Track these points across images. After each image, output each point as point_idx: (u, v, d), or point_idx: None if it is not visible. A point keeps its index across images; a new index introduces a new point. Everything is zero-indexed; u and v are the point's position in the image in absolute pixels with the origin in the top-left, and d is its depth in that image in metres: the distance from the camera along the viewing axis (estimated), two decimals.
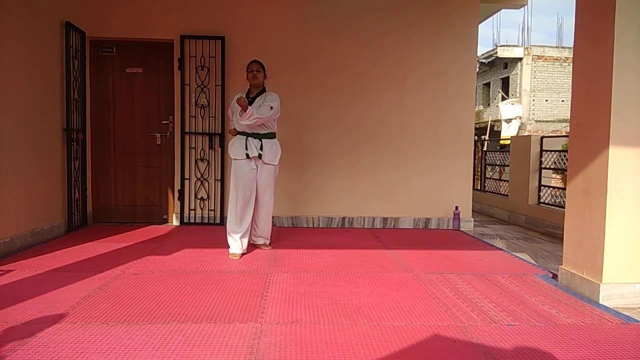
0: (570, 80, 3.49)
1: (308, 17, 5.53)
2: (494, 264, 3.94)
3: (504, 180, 7.19)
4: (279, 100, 4.07)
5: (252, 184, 4.04)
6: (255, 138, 4.00)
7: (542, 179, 6.16)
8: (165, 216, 5.58)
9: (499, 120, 20.36)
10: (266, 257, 4.02)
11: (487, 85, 23.20)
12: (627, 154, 3.01)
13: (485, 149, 8.64)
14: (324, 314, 2.68)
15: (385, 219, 5.63)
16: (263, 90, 4.13)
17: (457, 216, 5.53)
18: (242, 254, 4.02)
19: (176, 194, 5.49)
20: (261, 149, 4.00)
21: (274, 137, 4.12)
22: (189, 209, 5.46)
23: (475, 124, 7.04)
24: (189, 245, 4.37)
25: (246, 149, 3.98)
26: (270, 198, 4.19)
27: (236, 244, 3.98)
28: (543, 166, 6.10)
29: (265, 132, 4.03)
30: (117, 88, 5.48)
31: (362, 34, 5.56)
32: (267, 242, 4.36)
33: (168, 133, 5.49)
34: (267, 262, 3.83)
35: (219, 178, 5.47)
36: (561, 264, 3.48)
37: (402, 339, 2.35)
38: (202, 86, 5.41)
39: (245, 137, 4.00)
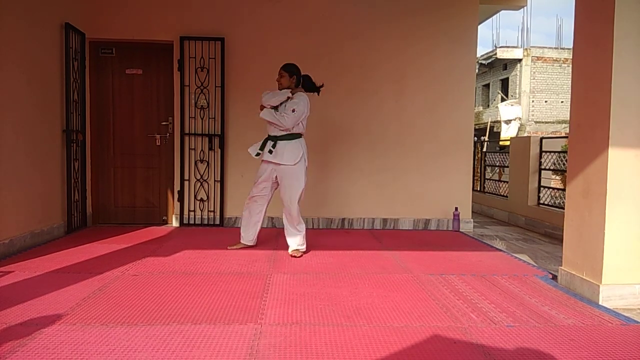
0: (570, 82, 3.50)
1: (309, 19, 5.53)
2: (494, 265, 3.94)
3: (504, 181, 7.20)
4: (303, 102, 4.04)
5: (265, 182, 4.15)
6: (271, 140, 4.09)
7: (542, 180, 6.16)
8: (164, 217, 5.58)
9: (499, 121, 20.37)
10: (266, 258, 4.02)
11: (487, 86, 23.22)
12: (627, 155, 3.02)
13: (484, 150, 8.65)
14: (323, 315, 2.68)
15: (384, 220, 5.63)
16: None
17: (456, 217, 5.54)
18: (248, 246, 4.32)
19: (176, 195, 5.49)
20: (273, 147, 4.05)
21: (293, 138, 4.05)
22: (189, 210, 5.46)
23: (475, 125, 7.05)
24: (189, 247, 4.37)
25: (260, 149, 4.12)
26: (289, 201, 4.09)
27: (244, 233, 4.30)
28: (543, 167, 6.10)
29: (281, 134, 4.05)
30: (116, 89, 5.48)
31: (363, 36, 5.56)
32: (294, 248, 4.14)
33: (168, 134, 5.49)
34: (267, 263, 3.83)
35: (219, 179, 5.47)
36: (561, 265, 3.48)
37: (402, 340, 2.35)
38: (201, 87, 5.41)
39: (266, 138, 4.14)
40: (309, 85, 4.21)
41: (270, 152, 4.03)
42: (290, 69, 4.15)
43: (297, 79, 4.17)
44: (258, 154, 4.12)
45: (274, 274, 3.53)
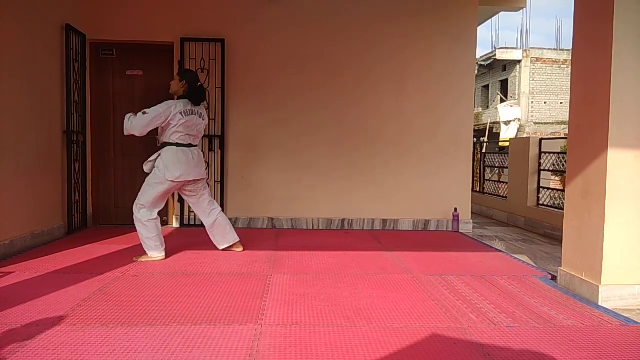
0: (569, 83, 3.51)
1: (308, 20, 5.55)
2: (493, 266, 3.94)
3: (503, 182, 7.21)
4: (161, 105, 3.84)
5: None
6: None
7: (541, 180, 6.17)
8: (165, 218, 5.58)
9: (498, 123, 20.40)
10: (266, 258, 4.02)
11: (486, 87, 23.25)
12: (626, 156, 3.02)
13: (484, 151, 8.66)
14: (323, 315, 2.69)
15: (384, 221, 5.64)
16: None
17: (456, 218, 5.54)
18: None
19: (176, 196, 5.49)
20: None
21: (163, 146, 4.00)
22: (189, 211, 5.46)
23: (474, 126, 7.06)
24: (189, 247, 4.37)
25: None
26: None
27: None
28: (542, 168, 6.12)
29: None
30: (117, 90, 5.49)
31: (363, 37, 5.57)
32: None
33: None
34: (267, 264, 3.84)
35: (219, 180, 5.47)
36: (560, 266, 3.49)
37: (401, 341, 2.36)
38: None
39: None
40: (195, 97, 3.94)
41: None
42: (182, 74, 4.00)
43: (189, 87, 3.90)
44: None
45: (274, 274, 3.54)
